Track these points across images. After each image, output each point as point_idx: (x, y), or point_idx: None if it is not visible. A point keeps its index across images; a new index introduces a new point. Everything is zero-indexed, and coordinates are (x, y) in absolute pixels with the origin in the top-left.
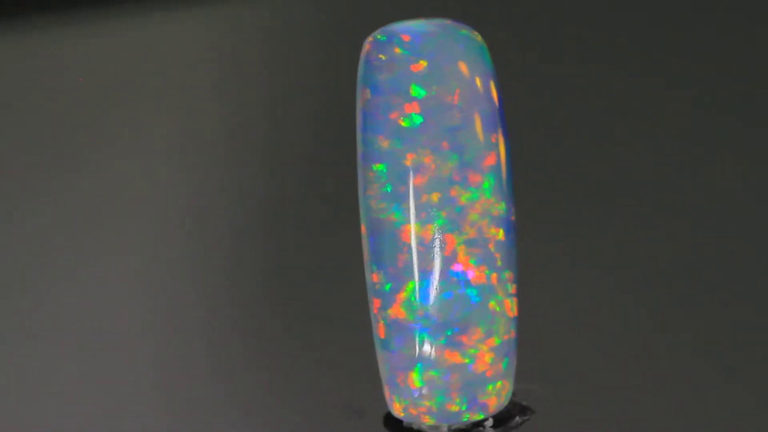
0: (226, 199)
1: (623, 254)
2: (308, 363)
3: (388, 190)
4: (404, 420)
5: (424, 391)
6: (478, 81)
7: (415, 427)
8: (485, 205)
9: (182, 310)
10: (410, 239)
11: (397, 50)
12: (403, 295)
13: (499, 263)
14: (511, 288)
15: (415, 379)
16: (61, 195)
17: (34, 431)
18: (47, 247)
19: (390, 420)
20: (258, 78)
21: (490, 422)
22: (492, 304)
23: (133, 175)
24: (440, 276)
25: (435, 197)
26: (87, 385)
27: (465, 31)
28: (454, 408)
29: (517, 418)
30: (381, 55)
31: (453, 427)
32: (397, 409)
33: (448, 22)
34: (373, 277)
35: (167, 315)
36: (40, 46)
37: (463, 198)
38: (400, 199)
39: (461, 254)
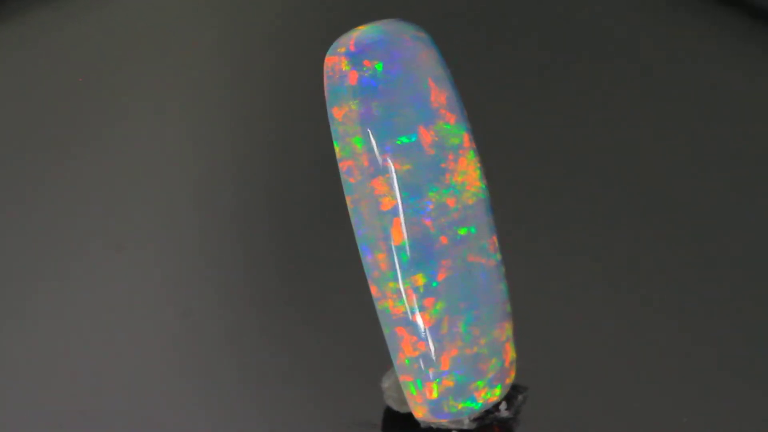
0: (233, 187)
1: (612, 245)
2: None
3: (406, 194)
4: (423, 421)
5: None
6: (442, 75)
7: (434, 426)
8: (479, 192)
9: (189, 299)
10: (434, 236)
11: (375, 59)
12: (440, 289)
13: (494, 247)
14: (503, 269)
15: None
16: (59, 184)
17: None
18: (48, 239)
19: (395, 423)
20: (266, 51)
21: (504, 405)
22: (498, 287)
23: (134, 163)
24: (462, 268)
25: (436, 192)
26: (91, 379)
27: (413, 27)
28: (488, 396)
29: (520, 397)
30: (365, 65)
31: (472, 417)
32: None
33: (399, 21)
34: (416, 281)
35: (174, 306)
36: (36, 25)
37: (460, 188)
38: (415, 201)
39: (469, 244)
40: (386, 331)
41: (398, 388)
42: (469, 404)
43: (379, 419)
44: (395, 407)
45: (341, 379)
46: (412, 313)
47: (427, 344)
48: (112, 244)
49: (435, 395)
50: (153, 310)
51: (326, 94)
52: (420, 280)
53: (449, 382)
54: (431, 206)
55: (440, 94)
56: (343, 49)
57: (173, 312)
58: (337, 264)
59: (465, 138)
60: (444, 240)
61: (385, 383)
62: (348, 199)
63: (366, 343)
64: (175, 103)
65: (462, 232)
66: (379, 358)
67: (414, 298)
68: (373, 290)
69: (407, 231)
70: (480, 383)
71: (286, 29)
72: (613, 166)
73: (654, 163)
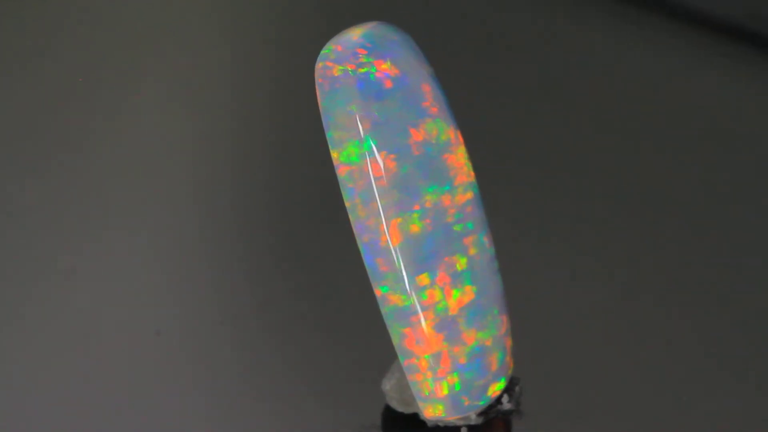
0: (233, 188)
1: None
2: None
3: (406, 195)
4: (431, 420)
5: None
6: (428, 74)
7: (441, 424)
8: (473, 187)
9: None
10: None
11: (369, 62)
12: (448, 287)
13: (489, 240)
14: (497, 262)
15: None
16: (56, 173)
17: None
18: (45, 230)
19: (396, 423)
20: (267, 50)
21: (506, 398)
22: (496, 280)
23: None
24: (465, 264)
25: (435, 190)
26: (92, 373)
27: (395, 28)
28: (496, 389)
29: (517, 388)
30: (359, 69)
31: (478, 412)
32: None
33: (382, 24)
34: (422, 280)
35: (175, 307)
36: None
37: (457, 184)
38: (416, 200)
39: (469, 239)
40: (397, 332)
41: (400, 389)
42: (483, 398)
43: (385, 420)
44: (400, 409)
45: (344, 381)
46: (422, 311)
47: (441, 341)
48: (111, 244)
49: (456, 390)
50: (156, 311)
51: (320, 100)
52: (426, 279)
53: (463, 378)
54: (431, 204)
55: (430, 93)
56: (335, 55)
57: (176, 312)
58: (338, 266)
59: (456, 134)
60: (445, 237)
61: (387, 386)
62: (348, 204)
63: (367, 345)
64: (173, 104)
65: (461, 228)
66: (381, 360)
67: (422, 296)
68: (378, 292)
69: (409, 231)
70: (489, 376)
71: (288, 28)
72: (590, 162)
73: (643, 160)
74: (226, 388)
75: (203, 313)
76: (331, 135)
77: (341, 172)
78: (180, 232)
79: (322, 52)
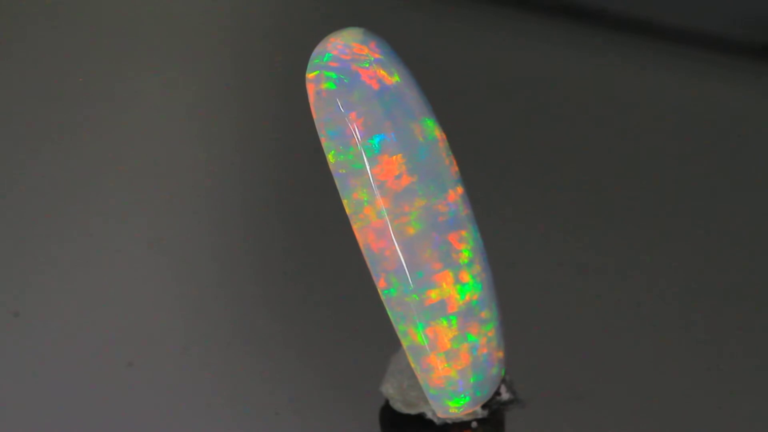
0: (240, 187)
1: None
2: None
3: (405, 195)
4: (442, 417)
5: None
6: (409, 74)
7: (450, 421)
8: (461, 181)
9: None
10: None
11: (363, 67)
12: (459, 281)
13: (479, 233)
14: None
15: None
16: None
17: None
18: (43, 220)
19: (395, 423)
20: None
21: (504, 389)
22: (490, 272)
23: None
24: (467, 258)
25: (433, 188)
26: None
27: (373, 33)
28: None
29: (508, 377)
30: (355, 75)
31: (482, 405)
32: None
33: (363, 29)
34: (431, 277)
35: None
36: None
37: (453, 179)
38: (416, 199)
39: (469, 233)
40: (408, 332)
41: (403, 390)
42: (495, 388)
43: (388, 422)
44: (404, 410)
45: (344, 383)
46: (432, 310)
47: (456, 337)
48: (116, 244)
49: (475, 381)
50: (159, 309)
51: (314, 108)
52: (432, 276)
53: (479, 370)
54: (430, 202)
55: (416, 94)
56: (327, 62)
57: (184, 311)
58: (339, 269)
59: (440, 131)
60: (446, 233)
61: (389, 389)
62: (349, 210)
63: (367, 347)
64: (176, 105)
65: (458, 222)
66: (381, 362)
67: (431, 294)
68: (384, 294)
69: (412, 230)
70: (494, 367)
71: (293, 28)
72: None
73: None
74: (225, 390)
75: (200, 316)
76: (328, 143)
77: (340, 176)
78: (178, 233)
79: (313, 59)
